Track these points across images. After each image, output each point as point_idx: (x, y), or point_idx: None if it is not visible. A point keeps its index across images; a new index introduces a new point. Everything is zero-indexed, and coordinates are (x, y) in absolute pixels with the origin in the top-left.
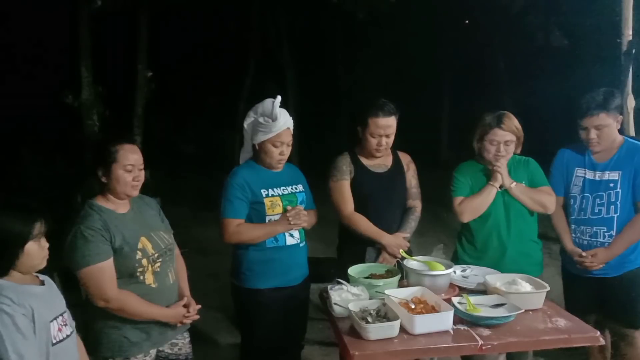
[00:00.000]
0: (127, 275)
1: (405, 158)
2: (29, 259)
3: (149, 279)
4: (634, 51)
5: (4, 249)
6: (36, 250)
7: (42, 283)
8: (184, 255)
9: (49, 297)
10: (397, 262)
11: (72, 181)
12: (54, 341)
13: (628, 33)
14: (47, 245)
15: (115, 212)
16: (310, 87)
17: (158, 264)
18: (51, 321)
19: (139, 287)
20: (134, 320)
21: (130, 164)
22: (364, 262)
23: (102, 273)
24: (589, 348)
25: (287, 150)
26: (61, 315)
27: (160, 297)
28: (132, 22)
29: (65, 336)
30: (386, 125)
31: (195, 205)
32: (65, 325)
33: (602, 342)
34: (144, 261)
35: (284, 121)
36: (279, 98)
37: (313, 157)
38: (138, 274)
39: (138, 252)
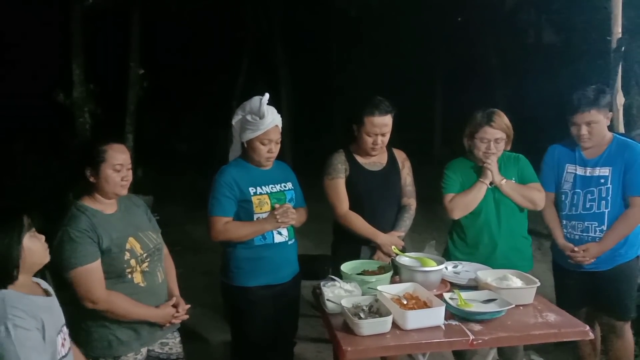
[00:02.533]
0: (116, 275)
1: (400, 156)
2: (33, 254)
3: (138, 278)
4: (623, 49)
5: (3, 257)
6: (36, 244)
7: (46, 293)
8: (175, 253)
9: (54, 309)
10: (391, 259)
11: (65, 179)
12: (59, 357)
13: (617, 31)
14: (43, 237)
15: (103, 212)
16: (303, 85)
17: (146, 264)
18: (57, 335)
19: (128, 286)
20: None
21: (119, 163)
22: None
23: (90, 275)
24: (579, 342)
25: (276, 148)
26: (62, 328)
27: (149, 296)
28: (124, 19)
29: (67, 350)
30: (382, 123)
31: (189, 203)
32: (65, 339)
33: (591, 336)
34: (132, 261)
35: (272, 119)
36: (266, 96)
37: (306, 155)
38: (126, 274)
39: (126, 252)
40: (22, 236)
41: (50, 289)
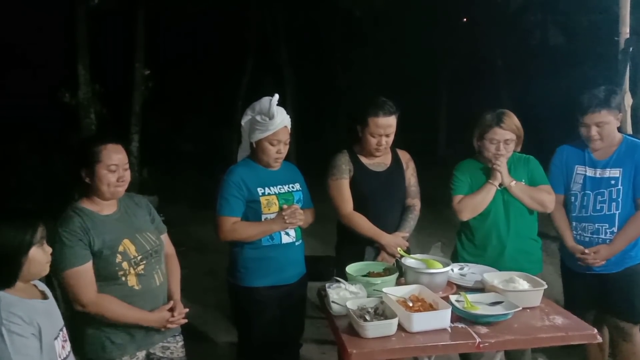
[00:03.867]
0: (108, 278)
1: (404, 156)
2: (34, 265)
3: (132, 281)
4: (631, 49)
5: (8, 259)
6: (41, 256)
7: (44, 295)
8: (180, 253)
9: (52, 312)
10: (396, 260)
11: (70, 180)
12: (59, 359)
13: (625, 31)
14: (50, 250)
15: (99, 214)
16: (308, 85)
17: (142, 266)
18: (55, 339)
19: (121, 289)
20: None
21: (114, 163)
22: (362, 261)
23: (79, 277)
24: (587, 345)
25: (285, 149)
26: (61, 330)
27: (145, 299)
28: (129, 20)
29: (67, 353)
30: (386, 124)
31: (194, 203)
32: (66, 341)
33: (599, 339)
34: (125, 264)
35: (281, 119)
36: (276, 96)
37: (311, 155)
38: (119, 276)
39: (118, 255)
40: (32, 245)
41: (48, 291)
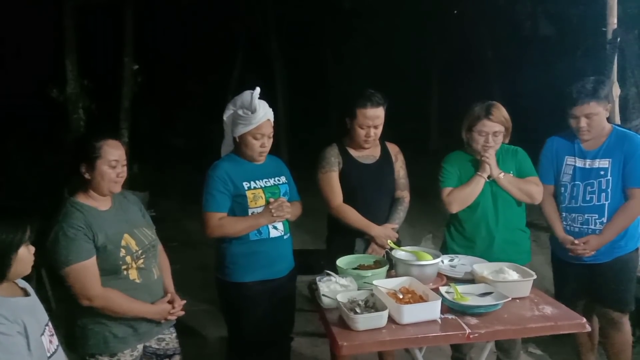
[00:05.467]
0: (111, 272)
1: (393, 149)
2: (21, 265)
3: (133, 275)
4: (618, 40)
5: (1, 254)
6: (27, 256)
7: (25, 292)
8: (172, 248)
9: (35, 309)
10: (386, 252)
11: (60, 176)
12: (49, 354)
13: (613, 22)
14: (33, 249)
15: (97, 209)
16: (298, 79)
17: (142, 261)
18: (42, 335)
19: (124, 283)
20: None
21: (114, 159)
22: (353, 253)
23: (85, 272)
24: (577, 334)
25: (268, 142)
26: (47, 325)
27: (145, 292)
28: (117, 14)
29: (56, 347)
30: (374, 116)
31: (185, 198)
32: (52, 335)
33: (588, 329)
34: (128, 258)
35: (264, 113)
36: (257, 89)
37: (302, 149)
38: (122, 270)
39: (122, 249)
40: (21, 245)
41: (29, 288)
